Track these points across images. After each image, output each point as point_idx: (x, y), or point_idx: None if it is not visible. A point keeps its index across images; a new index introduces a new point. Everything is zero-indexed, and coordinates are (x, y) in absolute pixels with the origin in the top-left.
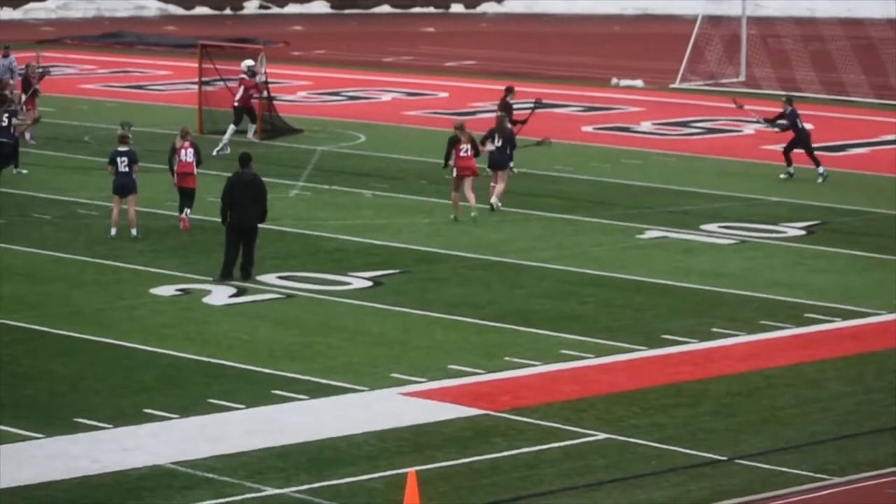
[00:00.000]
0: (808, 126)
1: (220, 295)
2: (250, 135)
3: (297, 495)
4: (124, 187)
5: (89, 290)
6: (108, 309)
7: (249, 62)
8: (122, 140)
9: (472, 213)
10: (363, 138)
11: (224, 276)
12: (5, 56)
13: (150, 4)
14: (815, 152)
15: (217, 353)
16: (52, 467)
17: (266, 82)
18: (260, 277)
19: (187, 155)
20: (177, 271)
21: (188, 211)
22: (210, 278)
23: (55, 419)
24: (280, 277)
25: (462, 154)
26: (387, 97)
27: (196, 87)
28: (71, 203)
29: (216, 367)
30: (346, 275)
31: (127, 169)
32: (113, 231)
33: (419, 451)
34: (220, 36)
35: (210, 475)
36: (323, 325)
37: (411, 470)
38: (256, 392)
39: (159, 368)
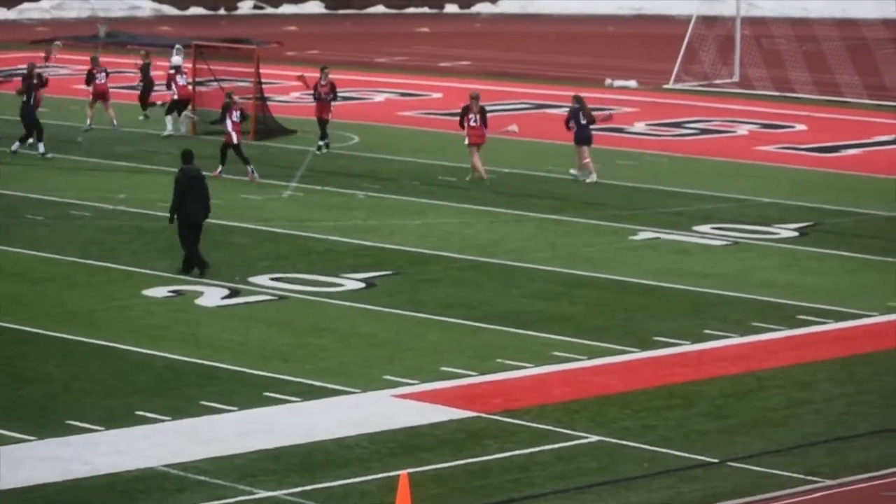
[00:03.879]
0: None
1: (212, 296)
2: (183, 129)
3: (290, 498)
4: None
5: (82, 291)
6: (100, 310)
7: (179, 58)
8: None
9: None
10: (356, 139)
11: (184, 271)
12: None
13: (144, 5)
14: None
15: (209, 354)
16: (44, 470)
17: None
18: (252, 279)
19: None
20: (169, 273)
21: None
22: (203, 280)
23: (48, 421)
24: (272, 279)
25: (472, 124)
26: (380, 98)
27: (190, 87)
28: (63, 204)
29: (209, 369)
30: (338, 276)
31: None
32: None
33: (411, 453)
34: (214, 36)
35: (202, 477)
36: (315, 327)
37: (403, 472)
38: (249, 394)
39: (152, 370)
